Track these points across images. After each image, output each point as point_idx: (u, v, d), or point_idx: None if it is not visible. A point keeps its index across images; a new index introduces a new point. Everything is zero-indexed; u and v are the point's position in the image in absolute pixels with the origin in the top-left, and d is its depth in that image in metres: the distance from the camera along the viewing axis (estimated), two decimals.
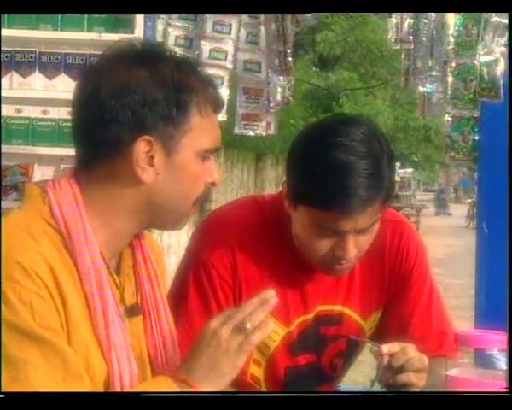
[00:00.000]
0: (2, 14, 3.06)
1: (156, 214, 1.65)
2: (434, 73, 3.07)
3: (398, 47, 3.16)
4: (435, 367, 1.95)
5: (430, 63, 3.05)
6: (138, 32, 3.19)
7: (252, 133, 3.25)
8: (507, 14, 2.78)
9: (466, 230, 21.79)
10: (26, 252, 1.51)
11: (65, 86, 3.35)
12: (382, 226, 2.06)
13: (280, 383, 2.15)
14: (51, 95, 3.36)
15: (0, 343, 1.45)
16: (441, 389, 1.73)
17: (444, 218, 29.04)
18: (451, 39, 3.01)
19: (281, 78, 3.17)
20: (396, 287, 2.21)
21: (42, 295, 1.49)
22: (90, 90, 1.62)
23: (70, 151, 3.35)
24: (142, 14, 3.16)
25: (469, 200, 26.58)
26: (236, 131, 3.26)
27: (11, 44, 3.28)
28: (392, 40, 3.16)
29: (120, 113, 1.57)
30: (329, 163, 1.93)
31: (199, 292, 2.09)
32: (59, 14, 3.26)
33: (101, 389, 1.55)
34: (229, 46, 3.09)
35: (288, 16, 3.09)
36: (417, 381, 1.94)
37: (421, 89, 3.13)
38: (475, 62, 2.99)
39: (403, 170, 31.99)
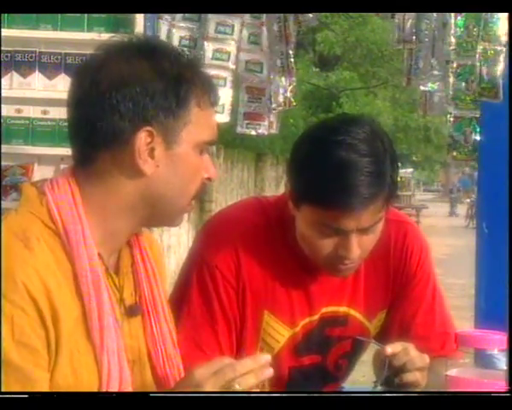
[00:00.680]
0: (2, 14, 3.05)
1: (154, 209, 1.63)
2: (436, 73, 3.07)
3: (400, 47, 3.16)
4: (437, 367, 1.95)
5: (432, 63, 3.06)
6: (138, 32, 3.19)
7: (254, 132, 3.25)
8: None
9: (466, 230, 21.80)
10: (18, 262, 1.49)
11: (65, 86, 3.34)
12: (386, 226, 2.06)
13: (284, 383, 2.15)
14: (51, 95, 3.36)
15: None
16: (441, 389, 1.72)
17: (444, 218, 29.03)
18: (453, 40, 3.01)
19: (283, 79, 3.17)
20: (400, 287, 2.21)
21: (26, 309, 1.48)
22: (88, 83, 1.61)
23: (70, 151, 3.38)
24: (142, 14, 3.16)
25: (469, 200, 26.58)
26: (239, 130, 3.26)
27: (11, 44, 3.28)
28: (395, 40, 3.16)
29: (121, 103, 1.56)
30: (332, 161, 1.94)
31: (202, 293, 2.08)
32: (59, 14, 3.26)
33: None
34: (231, 47, 3.10)
35: (290, 17, 3.09)
36: (419, 380, 1.94)
37: (423, 88, 3.13)
38: (476, 63, 2.99)
39: (403, 170, 31.97)
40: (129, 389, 1.59)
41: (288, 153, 2.10)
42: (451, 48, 3.01)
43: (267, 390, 2.08)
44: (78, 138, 1.64)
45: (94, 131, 1.59)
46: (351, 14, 18.58)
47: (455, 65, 3.02)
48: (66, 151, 3.29)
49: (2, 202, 3.23)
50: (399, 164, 2.07)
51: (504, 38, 2.93)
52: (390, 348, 1.94)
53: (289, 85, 3.18)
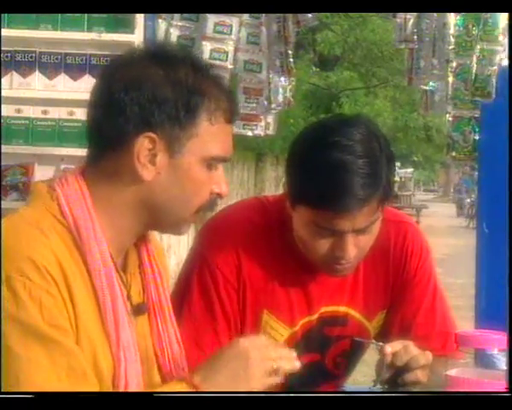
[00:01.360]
0: (2, 14, 3.05)
1: (156, 215, 1.64)
2: (436, 72, 3.08)
3: (402, 47, 3.17)
4: (438, 367, 1.95)
5: (433, 62, 3.06)
6: (138, 32, 3.20)
7: (250, 133, 3.24)
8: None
9: (466, 230, 21.78)
10: (37, 247, 1.51)
11: (65, 86, 3.35)
12: (386, 226, 2.06)
13: (282, 382, 2.15)
14: (51, 95, 3.36)
15: (2, 338, 1.45)
16: (441, 389, 1.72)
17: (444, 218, 29.02)
18: (452, 39, 3.01)
19: (282, 78, 3.17)
20: (400, 287, 2.21)
21: (51, 292, 1.49)
22: (103, 83, 1.63)
23: (70, 151, 3.40)
24: (142, 14, 3.16)
25: (469, 200, 26.56)
26: (235, 130, 3.26)
27: (11, 44, 3.28)
28: (397, 40, 3.16)
29: (128, 106, 1.57)
30: (327, 163, 1.94)
31: (203, 293, 2.09)
32: (59, 14, 3.26)
33: (109, 387, 1.55)
34: (229, 47, 3.09)
35: (290, 17, 3.09)
36: (423, 378, 1.94)
37: (423, 87, 3.14)
38: (472, 63, 3.00)
39: (403, 170, 31.98)
40: (141, 386, 1.60)
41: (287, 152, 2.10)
42: (451, 47, 3.01)
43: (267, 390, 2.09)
44: (89, 137, 1.66)
45: (101, 131, 1.61)
46: (351, 14, 18.58)
47: (454, 64, 3.02)
48: (66, 151, 3.34)
49: (2, 202, 3.23)
50: (399, 164, 2.07)
51: (502, 38, 2.93)
52: (390, 347, 1.94)
53: (288, 85, 3.18)
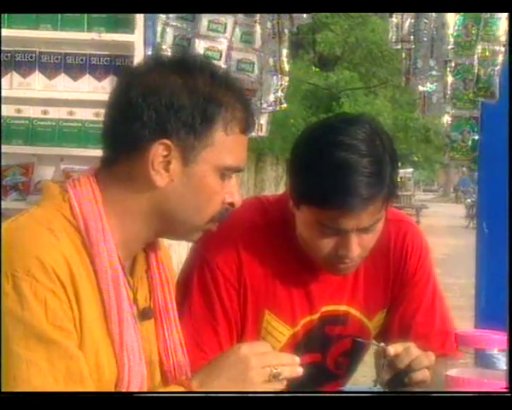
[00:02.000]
0: (2, 14, 3.06)
1: (167, 222, 1.65)
2: (434, 73, 3.07)
3: (399, 47, 3.16)
4: (437, 367, 1.95)
5: (431, 63, 3.05)
6: (138, 32, 3.20)
7: None
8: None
9: (466, 230, 21.78)
10: (46, 247, 1.51)
11: (65, 86, 3.36)
12: (386, 226, 2.06)
13: (283, 388, 2.15)
14: (51, 95, 3.36)
15: (2, 335, 1.45)
16: (441, 389, 1.72)
17: (444, 218, 29.01)
18: (451, 39, 3.01)
19: (274, 78, 3.16)
20: (400, 286, 2.21)
21: (57, 292, 1.49)
22: (122, 87, 1.64)
23: (70, 151, 3.40)
24: (142, 14, 3.16)
25: (469, 200, 26.54)
26: None
27: (11, 44, 3.29)
28: (393, 40, 3.15)
29: (145, 112, 1.58)
30: (330, 162, 1.94)
31: (203, 293, 2.09)
32: (59, 14, 3.26)
33: (111, 390, 1.55)
34: (223, 45, 3.08)
35: (285, 15, 3.07)
36: (427, 378, 1.94)
37: (421, 88, 3.13)
38: (474, 63, 2.99)
39: (403, 170, 31.93)
40: (145, 388, 1.60)
41: (288, 153, 2.10)
42: (450, 47, 3.01)
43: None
44: (104, 139, 1.66)
45: (117, 135, 1.62)
46: (351, 14, 18.59)
47: (453, 64, 3.02)
48: (66, 151, 3.34)
49: (2, 202, 3.23)
50: (399, 164, 2.07)
51: (503, 38, 2.93)
52: (392, 349, 1.94)
53: (280, 85, 3.17)
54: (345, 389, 2.31)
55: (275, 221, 2.13)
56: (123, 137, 1.60)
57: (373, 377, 1.99)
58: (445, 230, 22.91)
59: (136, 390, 1.57)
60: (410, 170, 36.25)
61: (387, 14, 3.18)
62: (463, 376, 1.69)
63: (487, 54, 2.97)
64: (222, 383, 1.54)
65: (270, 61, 3.13)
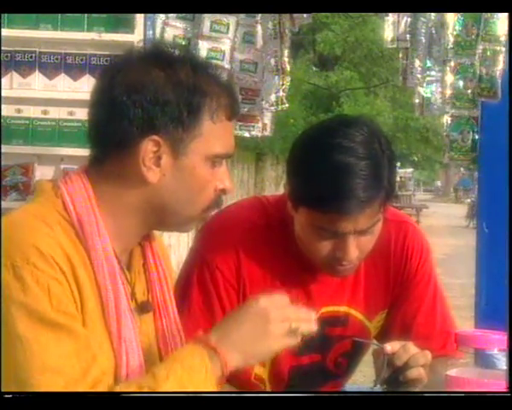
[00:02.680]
0: (2, 14, 3.05)
1: (162, 215, 1.65)
2: (433, 73, 3.07)
3: (394, 46, 3.15)
4: (438, 367, 1.95)
5: (429, 63, 3.05)
6: (138, 32, 3.20)
7: (247, 134, 3.23)
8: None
9: (466, 230, 21.78)
10: (42, 236, 1.52)
11: (65, 86, 3.35)
12: (387, 226, 2.06)
13: (284, 382, 2.15)
14: (51, 95, 3.36)
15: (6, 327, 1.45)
16: (441, 389, 1.72)
17: (444, 218, 29.00)
18: (451, 39, 3.00)
19: (276, 78, 3.15)
20: (400, 287, 2.21)
21: (59, 279, 1.50)
22: (104, 85, 1.63)
23: (70, 151, 3.40)
24: (142, 14, 3.16)
25: (469, 200, 26.54)
26: None
27: (11, 44, 3.28)
28: (389, 39, 3.15)
29: (131, 110, 1.58)
30: (328, 164, 1.93)
31: (203, 293, 2.09)
32: (59, 14, 3.26)
33: (110, 382, 1.55)
34: (226, 46, 3.08)
35: (286, 15, 3.07)
36: (423, 375, 1.94)
37: (419, 89, 3.13)
38: (475, 62, 2.99)
39: (403, 170, 31.97)
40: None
41: (288, 153, 2.10)
42: (450, 47, 3.01)
43: (267, 390, 2.09)
44: (92, 138, 1.66)
45: (105, 134, 1.62)
46: (351, 14, 18.58)
47: (453, 64, 3.02)
48: (66, 151, 3.34)
49: (2, 202, 3.23)
50: (399, 164, 2.07)
51: (504, 38, 2.93)
52: (389, 347, 1.94)
53: (282, 85, 3.17)
54: (345, 389, 2.31)
55: (274, 221, 2.13)
56: (111, 137, 1.60)
57: (373, 377, 1.99)
58: (445, 230, 22.92)
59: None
60: (410, 170, 36.27)
61: (383, 13, 3.18)
62: (463, 376, 1.69)
63: (488, 54, 2.97)
64: (241, 335, 1.55)
65: (272, 61, 3.13)
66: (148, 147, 1.59)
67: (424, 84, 3.08)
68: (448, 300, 2.32)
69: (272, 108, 3.19)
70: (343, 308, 2.18)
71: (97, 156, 1.65)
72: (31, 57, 3.34)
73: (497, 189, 2.87)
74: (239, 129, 3.21)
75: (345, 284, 2.16)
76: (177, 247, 10.89)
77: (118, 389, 1.50)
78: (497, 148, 2.93)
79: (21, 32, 3.29)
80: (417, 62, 3.06)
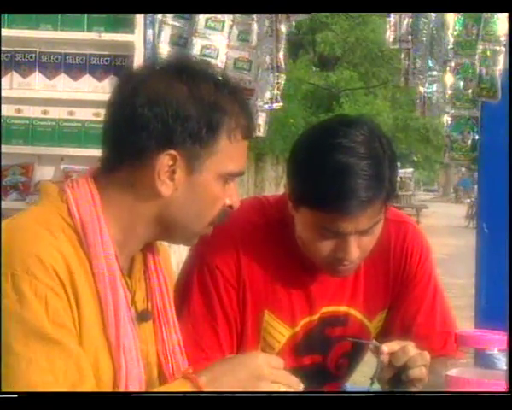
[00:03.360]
0: (2, 14, 3.05)
1: (169, 228, 1.65)
2: (434, 73, 3.07)
3: (396, 46, 3.15)
4: (438, 367, 1.95)
5: (430, 63, 3.05)
6: (138, 32, 3.20)
7: None
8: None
9: (466, 230, 21.77)
10: (44, 246, 1.51)
11: (65, 86, 3.36)
12: (386, 226, 2.06)
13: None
14: (51, 95, 3.36)
15: (2, 335, 1.45)
16: (441, 389, 1.72)
17: (444, 218, 28.99)
18: (451, 39, 3.00)
19: (271, 75, 3.14)
20: (400, 287, 2.21)
21: (57, 291, 1.50)
22: (127, 92, 1.62)
23: (70, 151, 3.40)
24: (142, 14, 3.16)
25: (469, 200, 26.53)
26: None
27: (11, 44, 3.29)
28: (391, 39, 3.15)
29: (151, 122, 1.57)
30: (329, 165, 1.93)
31: (203, 294, 2.09)
32: (59, 14, 3.26)
33: (109, 390, 1.55)
34: (220, 44, 3.06)
35: (283, 14, 3.06)
36: (423, 375, 1.94)
37: (420, 89, 3.13)
38: (475, 62, 2.99)
39: (403, 170, 31.95)
40: (143, 388, 1.60)
41: (288, 153, 2.10)
42: (450, 47, 3.01)
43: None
44: (106, 143, 1.65)
45: (121, 142, 1.60)
46: (351, 14, 18.58)
47: (453, 64, 3.02)
48: (66, 151, 3.34)
49: (2, 202, 3.23)
50: (399, 164, 2.07)
51: (504, 38, 2.93)
52: (386, 347, 1.94)
53: (277, 83, 3.16)
54: (345, 389, 2.31)
55: (275, 222, 2.13)
56: (127, 146, 1.59)
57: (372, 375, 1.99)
58: (445, 230, 22.91)
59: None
60: (410, 170, 36.28)
61: (385, 13, 3.18)
62: (463, 376, 1.69)
63: (488, 54, 2.97)
64: (230, 383, 1.54)
65: (267, 59, 3.11)
66: (164, 161, 1.58)
67: (426, 85, 3.08)
68: (448, 300, 2.31)
69: (267, 106, 3.17)
70: (343, 308, 2.18)
71: (109, 162, 1.64)
72: (31, 57, 3.34)
73: (497, 189, 2.87)
74: None
75: (345, 284, 2.16)
76: (177, 247, 10.89)
77: None
78: (497, 148, 2.93)
79: (21, 32, 3.29)
80: (419, 63, 3.06)
